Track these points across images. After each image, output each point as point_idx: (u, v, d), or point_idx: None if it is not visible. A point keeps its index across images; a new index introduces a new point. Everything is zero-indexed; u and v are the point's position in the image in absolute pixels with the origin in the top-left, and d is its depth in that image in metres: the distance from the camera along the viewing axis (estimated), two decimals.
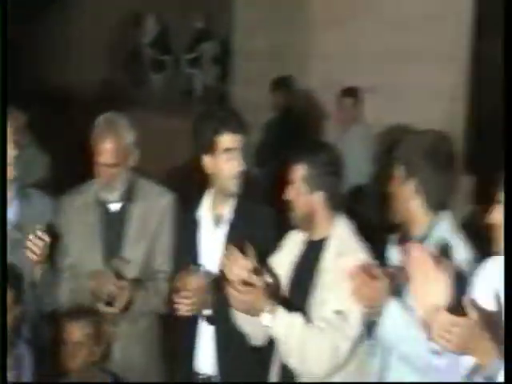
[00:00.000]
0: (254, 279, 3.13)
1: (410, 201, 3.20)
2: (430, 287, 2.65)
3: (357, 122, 6.98)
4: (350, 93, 7.00)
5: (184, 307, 3.36)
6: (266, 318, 3.12)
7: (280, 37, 8.17)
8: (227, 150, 3.51)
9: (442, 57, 6.62)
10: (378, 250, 3.38)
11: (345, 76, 7.23)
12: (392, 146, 3.37)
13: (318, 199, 3.29)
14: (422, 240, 3.14)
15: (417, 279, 2.70)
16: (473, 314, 2.54)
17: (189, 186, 3.75)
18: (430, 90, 6.70)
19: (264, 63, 8.30)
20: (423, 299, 2.66)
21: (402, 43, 6.96)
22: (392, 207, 3.30)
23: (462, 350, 2.58)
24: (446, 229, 3.16)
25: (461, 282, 2.86)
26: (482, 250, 3.06)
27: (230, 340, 3.49)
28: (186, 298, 3.36)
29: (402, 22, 6.95)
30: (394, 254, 3.31)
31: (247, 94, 8.53)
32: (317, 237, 3.35)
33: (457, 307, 2.58)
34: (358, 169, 6.22)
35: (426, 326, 2.66)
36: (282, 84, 7.77)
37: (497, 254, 2.81)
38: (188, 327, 3.61)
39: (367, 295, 3.03)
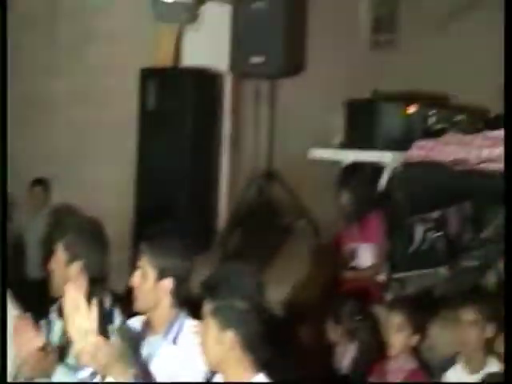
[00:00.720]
0: None
1: (73, 279, 3.23)
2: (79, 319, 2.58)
3: (45, 207, 7.45)
4: (39, 182, 7.50)
5: None
6: None
7: None
8: None
9: (112, 157, 7.27)
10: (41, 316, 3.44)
11: (35, 168, 7.67)
12: (56, 232, 3.54)
13: None
14: None
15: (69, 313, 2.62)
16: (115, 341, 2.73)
17: None
18: (104, 185, 7.27)
19: None
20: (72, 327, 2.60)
21: (80, 144, 7.58)
22: (52, 284, 3.37)
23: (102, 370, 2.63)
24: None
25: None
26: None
27: None
28: None
29: (82, 123, 7.52)
30: (55, 324, 3.42)
31: None
32: None
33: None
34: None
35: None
36: None
37: (139, 313, 3.15)
38: None
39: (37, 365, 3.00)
